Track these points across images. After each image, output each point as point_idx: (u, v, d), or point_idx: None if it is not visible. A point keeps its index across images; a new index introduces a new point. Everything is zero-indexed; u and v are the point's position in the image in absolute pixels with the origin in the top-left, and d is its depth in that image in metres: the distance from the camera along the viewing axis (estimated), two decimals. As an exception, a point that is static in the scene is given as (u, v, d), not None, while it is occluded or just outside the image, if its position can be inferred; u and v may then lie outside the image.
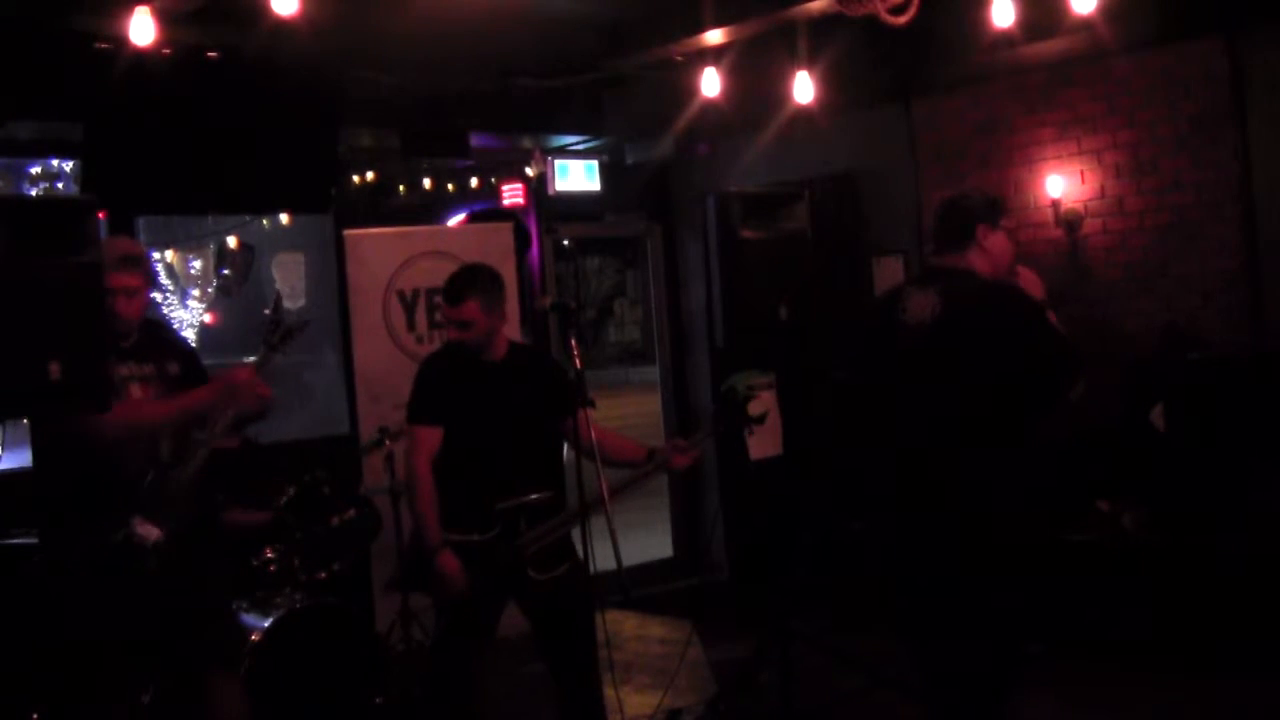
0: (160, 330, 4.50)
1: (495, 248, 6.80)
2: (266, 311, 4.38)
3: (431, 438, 4.26)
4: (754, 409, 4.61)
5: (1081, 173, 6.65)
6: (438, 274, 6.70)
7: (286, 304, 8.69)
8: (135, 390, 4.05)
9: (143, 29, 4.74)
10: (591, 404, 4.10)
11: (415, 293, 6.67)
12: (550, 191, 8.30)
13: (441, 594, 4.22)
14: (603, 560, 4.02)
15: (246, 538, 5.17)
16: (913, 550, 3.85)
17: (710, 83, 6.12)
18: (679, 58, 6.49)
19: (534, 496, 4.26)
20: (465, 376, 4.33)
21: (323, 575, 5.30)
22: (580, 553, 4.31)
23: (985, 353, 3.71)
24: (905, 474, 3.85)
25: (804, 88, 6.11)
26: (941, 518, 3.72)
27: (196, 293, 9.08)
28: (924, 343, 3.79)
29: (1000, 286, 3.88)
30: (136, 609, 3.93)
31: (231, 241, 8.39)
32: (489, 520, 4.22)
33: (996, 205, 4.01)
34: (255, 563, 5.16)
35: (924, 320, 3.80)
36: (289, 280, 8.89)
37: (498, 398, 4.31)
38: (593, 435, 4.07)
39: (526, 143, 8.02)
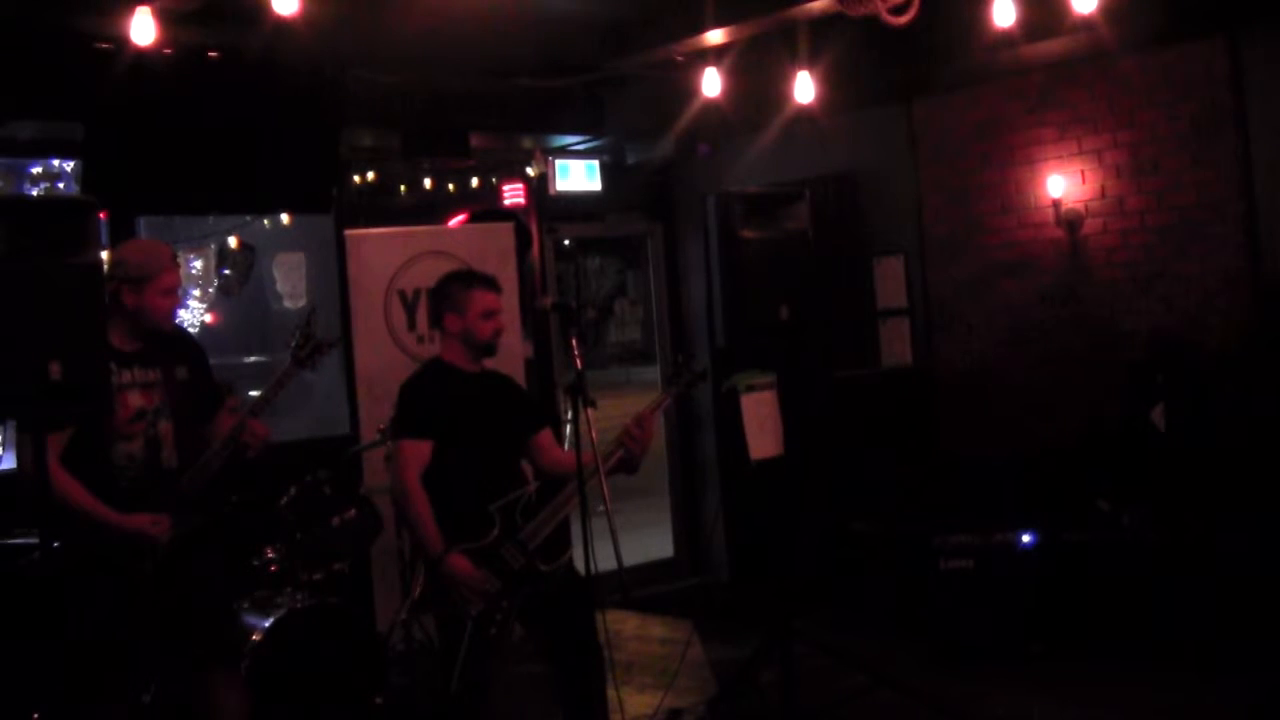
0: (171, 333, 4.33)
1: (496, 248, 6.79)
2: (304, 325, 4.36)
3: (421, 451, 4.26)
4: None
5: (1082, 173, 6.64)
6: (438, 274, 6.68)
7: (287, 304, 8.66)
8: (134, 398, 4.02)
9: (143, 29, 4.74)
10: (592, 404, 4.11)
11: (416, 293, 6.65)
12: (551, 191, 8.29)
13: (464, 596, 4.15)
14: (603, 560, 4.02)
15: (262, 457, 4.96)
16: None
17: (710, 83, 6.12)
18: (679, 58, 6.48)
19: (522, 490, 4.32)
20: (450, 388, 4.39)
21: (322, 575, 5.30)
22: (577, 552, 4.32)
23: None
24: None
25: (804, 88, 6.11)
26: None
27: (197, 293, 9.04)
28: None
29: None
30: (136, 609, 3.94)
31: (232, 241, 8.35)
32: (487, 524, 4.23)
33: None
34: (255, 563, 5.17)
35: None
36: (289, 280, 8.86)
37: (481, 403, 4.39)
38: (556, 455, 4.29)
39: (526, 143, 8.01)
